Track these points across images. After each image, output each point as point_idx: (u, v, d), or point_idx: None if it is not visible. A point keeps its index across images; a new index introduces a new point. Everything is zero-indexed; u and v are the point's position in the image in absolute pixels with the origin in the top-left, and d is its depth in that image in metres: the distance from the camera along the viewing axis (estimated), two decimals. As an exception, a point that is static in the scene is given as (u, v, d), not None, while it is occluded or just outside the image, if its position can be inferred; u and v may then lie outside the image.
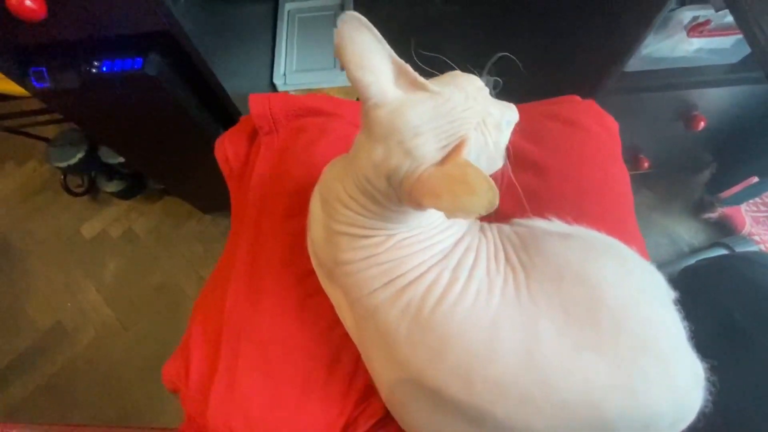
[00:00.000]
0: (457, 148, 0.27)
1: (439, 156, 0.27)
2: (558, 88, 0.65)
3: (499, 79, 0.32)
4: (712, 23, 0.67)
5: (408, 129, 0.27)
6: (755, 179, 0.98)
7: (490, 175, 0.34)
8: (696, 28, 0.69)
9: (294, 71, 1.01)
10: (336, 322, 0.38)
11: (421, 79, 0.28)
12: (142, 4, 0.54)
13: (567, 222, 0.39)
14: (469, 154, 0.27)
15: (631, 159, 1.04)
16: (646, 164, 1.02)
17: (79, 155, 1.06)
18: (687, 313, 0.34)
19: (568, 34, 0.82)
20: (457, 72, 0.31)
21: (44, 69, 0.63)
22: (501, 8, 1.12)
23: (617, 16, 0.66)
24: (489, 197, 0.23)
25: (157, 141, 0.81)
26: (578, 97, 0.50)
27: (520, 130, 0.48)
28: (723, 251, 0.97)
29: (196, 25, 0.65)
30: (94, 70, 0.63)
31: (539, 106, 0.50)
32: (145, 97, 0.68)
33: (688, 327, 0.33)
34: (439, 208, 0.25)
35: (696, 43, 0.74)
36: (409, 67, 0.28)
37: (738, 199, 1.03)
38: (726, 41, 0.74)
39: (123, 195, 1.23)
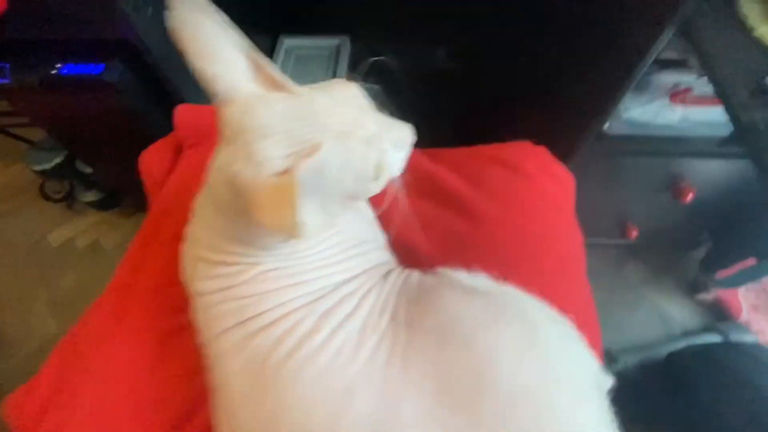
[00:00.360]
0: (304, 157, 0.23)
1: (285, 164, 0.23)
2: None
3: (375, 85, 0.29)
4: (695, 91, 0.65)
5: (255, 129, 0.23)
6: (753, 261, 0.90)
7: (378, 202, 0.30)
8: (678, 95, 0.66)
9: (281, 102, 1.02)
10: (200, 369, 0.31)
11: (282, 77, 0.25)
12: (101, 11, 0.54)
13: (492, 276, 0.33)
14: (322, 166, 0.23)
15: (619, 227, 0.98)
16: (634, 233, 0.96)
17: (56, 161, 1.05)
18: (668, 404, 0.27)
19: (551, 90, 0.81)
20: (338, 79, 0.28)
21: (7, 65, 0.63)
22: (496, 67, 1.13)
23: (593, 75, 0.64)
24: (288, 222, 0.19)
25: (119, 152, 0.79)
26: (530, 144, 0.46)
27: (460, 173, 0.44)
28: (716, 338, 0.87)
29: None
30: (53, 71, 0.62)
31: (486, 149, 0.46)
32: (104, 103, 0.66)
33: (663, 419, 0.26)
34: (263, 226, 0.21)
35: (681, 112, 0.71)
36: (267, 63, 0.25)
37: (735, 282, 0.95)
38: (718, 113, 0.71)
39: (98, 206, 1.21)
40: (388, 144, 0.27)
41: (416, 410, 0.23)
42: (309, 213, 0.24)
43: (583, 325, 0.34)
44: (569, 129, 0.73)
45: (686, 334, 0.95)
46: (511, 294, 0.30)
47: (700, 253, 1.03)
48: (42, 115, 0.72)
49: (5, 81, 0.63)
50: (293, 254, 0.28)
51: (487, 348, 0.24)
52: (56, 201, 1.24)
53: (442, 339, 0.25)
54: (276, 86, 0.25)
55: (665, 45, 0.63)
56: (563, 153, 0.75)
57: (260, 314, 0.26)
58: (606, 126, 0.75)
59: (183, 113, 0.45)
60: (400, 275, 0.32)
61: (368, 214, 0.38)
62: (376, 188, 0.27)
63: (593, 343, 0.39)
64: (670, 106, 0.68)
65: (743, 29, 0.47)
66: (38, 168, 1.05)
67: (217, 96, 0.24)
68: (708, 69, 0.47)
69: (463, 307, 0.27)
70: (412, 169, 0.45)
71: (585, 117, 0.67)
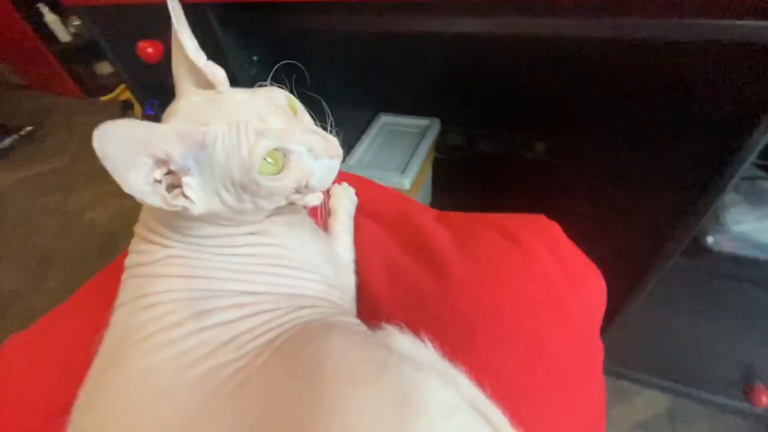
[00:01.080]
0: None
1: None
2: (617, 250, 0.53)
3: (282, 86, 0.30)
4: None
5: (171, 114, 0.26)
6: None
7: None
8: (810, 211, 0.50)
9: (364, 164, 1.11)
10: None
11: (213, 79, 0.28)
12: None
13: (439, 349, 0.27)
14: (204, 141, 0.24)
15: (740, 385, 0.72)
16: (765, 400, 0.69)
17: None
18: None
19: (637, 188, 0.70)
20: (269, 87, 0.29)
21: (157, 101, 0.84)
22: (593, 165, 1.05)
23: (680, 173, 0.54)
24: None
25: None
26: (543, 217, 0.39)
27: (453, 233, 0.39)
28: None
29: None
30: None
31: (493, 216, 0.40)
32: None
33: None
34: None
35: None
36: (207, 70, 0.28)
37: None
38: None
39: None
40: (298, 146, 0.26)
41: None
42: (193, 188, 0.25)
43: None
44: (654, 233, 0.61)
45: None
46: (422, 365, 0.24)
47: None
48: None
49: (151, 113, 0.84)
50: (203, 247, 0.28)
51: (334, 400, 0.19)
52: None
53: (294, 371, 0.21)
54: (210, 86, 0.28)
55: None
56: (647, 261, 0.62)
57: (146, 295, 0.26)
58: (710, 240, 0.61)
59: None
60: (316, 313, 0.29)
61: (336, 250, 0.37)
62: (272, 185, 0.26)
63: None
64: (803, 227, 0.52)
65: None
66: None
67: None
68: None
69: (340, 350, 0.22)
70: (408, 223, 0.43)
71: (669, 220, 0.55)
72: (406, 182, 0.99)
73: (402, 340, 0.27)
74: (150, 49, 0.70)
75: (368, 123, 1.22)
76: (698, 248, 0.60)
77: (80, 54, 2.02)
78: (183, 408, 0.21)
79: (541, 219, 0.39)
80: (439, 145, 1.26)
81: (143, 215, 0.30)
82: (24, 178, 1.74)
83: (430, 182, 1.27)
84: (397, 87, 1.24)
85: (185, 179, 0.25)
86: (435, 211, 0.46)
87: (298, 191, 0.28)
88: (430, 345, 0.27)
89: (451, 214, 0.44)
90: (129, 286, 0.28)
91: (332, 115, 1.16)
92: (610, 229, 0.75)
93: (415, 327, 0.29)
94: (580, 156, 1.12)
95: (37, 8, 1.83)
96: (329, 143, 0.28)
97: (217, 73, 0.30)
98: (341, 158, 0.29)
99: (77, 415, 0.23)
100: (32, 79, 2.25)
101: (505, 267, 0.34)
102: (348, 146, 1.15)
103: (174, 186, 0.25)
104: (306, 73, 0.79)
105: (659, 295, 0.65)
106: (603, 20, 0.41)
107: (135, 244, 0.29)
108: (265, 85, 0.30)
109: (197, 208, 0.25)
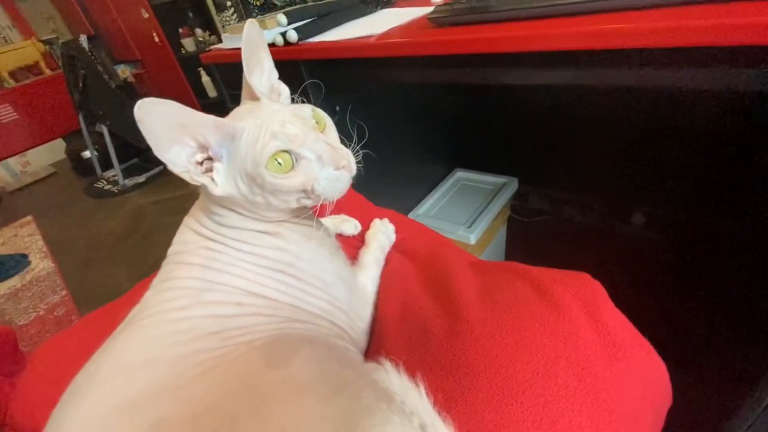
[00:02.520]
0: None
1: None
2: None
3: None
4: None
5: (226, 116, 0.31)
6: None
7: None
8: None
9: (431, 215, 1.11)
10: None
11: (258, 93, 0.32)
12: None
13: (428, 395, 0.25)
14: (234, 134, 0.29)
15: None
16: None
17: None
18: None
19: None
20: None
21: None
22: (705, 247, 0.90)
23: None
24: None
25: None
26: (588, 276, 0.33)
27: (479, 279, 0.36)
28: None
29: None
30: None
31: (527, 267, 0.36)
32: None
33: None
34: None
35: None
36: (253, 88, 0.32)
37: None
38: None
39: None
40: (308, 153, 0.29)
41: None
42: (219, 172, 0.29)
43: None
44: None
45: None
46: (392, 402, 0.22)
47: None
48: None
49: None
50: (227, 239, 0.31)
51: (278, 405, 0.19)
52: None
53: (255, 372, 0.21)
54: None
55: None
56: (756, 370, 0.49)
57: (169, 279, 0.29)
58: None
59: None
60: (313, 330, 0.29)
61: (358, 279, 0.38)
62: (275, 181, 0.28)
63: None
64: None
65: None
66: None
67: None
68: None
69: (305, 360, 0.21)
70: (437, 261, 0.41)
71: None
72: (471, 237, 0.96)
73: (393, 377, 0.26)
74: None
75: (444, 177, 1.24)
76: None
77: (220, 106, 2.49)
78: (154, 377, 0.23)
79: (582, 276, 0.34)
80: (519, 207, 1.20)
81: (193, 210, 0.35)
82: (157, 201, 2.12)
83: (504, 243, 1.21)
84: (475, 144, 1.25)
85: (216, 165, 0.30)
86: (472, 257, 0.43)
87: (306, 195, 0.30)
88: (423, 389, 0.25)
89: (489, 262, 0.41)
90: (163, 270, 0.32)
91: (408, 167, 1.19)
92: (713, 325, 0.62)
93: (414, 367, 0.27)
94: (688, 233, 0.97)
95: (199, 71, 2.36)
96: (337, 154, 0.30)
97: (282, 90, 0.35)
98: (352, 172, 0.31)
99: (83, 368, 0.26)
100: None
101: (525, 320, 0.29)
102: (420, 197, 1.17)
103: (209, 170, 0.30)
104: (366, 124, 0.83)
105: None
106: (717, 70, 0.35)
107: (179, 234, 0.34)
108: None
109: (217, 190, 0.29)
